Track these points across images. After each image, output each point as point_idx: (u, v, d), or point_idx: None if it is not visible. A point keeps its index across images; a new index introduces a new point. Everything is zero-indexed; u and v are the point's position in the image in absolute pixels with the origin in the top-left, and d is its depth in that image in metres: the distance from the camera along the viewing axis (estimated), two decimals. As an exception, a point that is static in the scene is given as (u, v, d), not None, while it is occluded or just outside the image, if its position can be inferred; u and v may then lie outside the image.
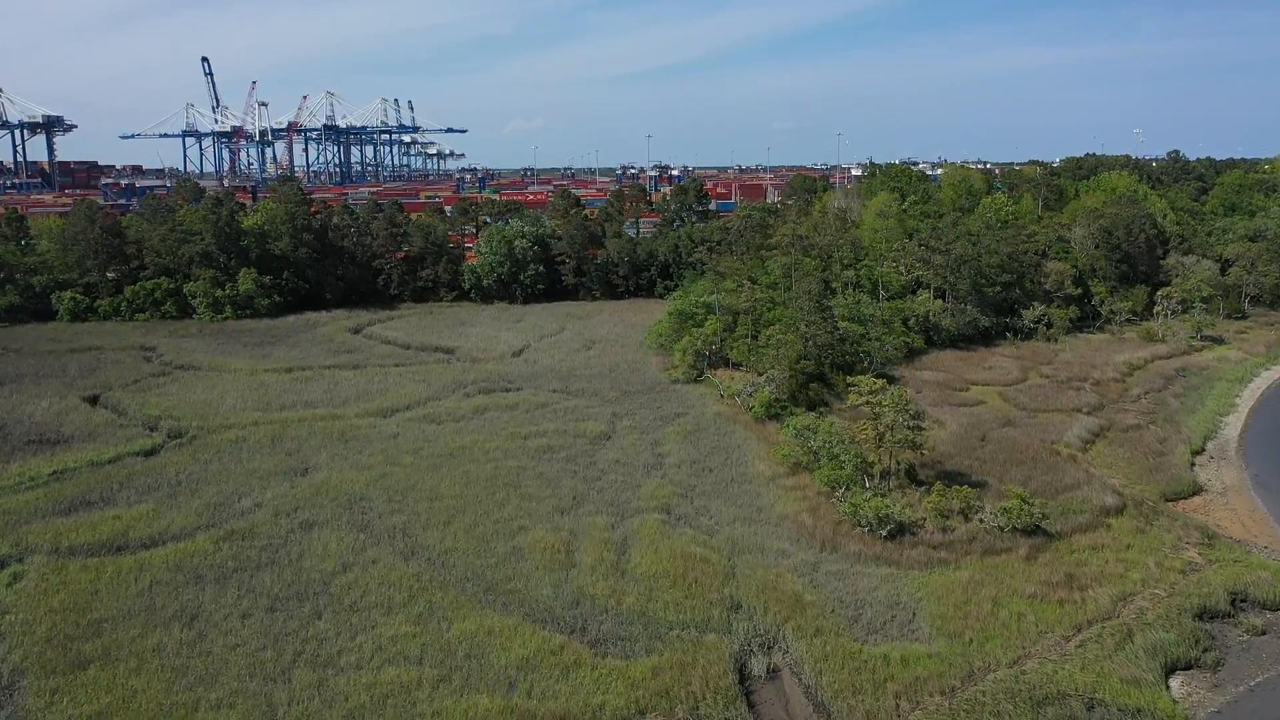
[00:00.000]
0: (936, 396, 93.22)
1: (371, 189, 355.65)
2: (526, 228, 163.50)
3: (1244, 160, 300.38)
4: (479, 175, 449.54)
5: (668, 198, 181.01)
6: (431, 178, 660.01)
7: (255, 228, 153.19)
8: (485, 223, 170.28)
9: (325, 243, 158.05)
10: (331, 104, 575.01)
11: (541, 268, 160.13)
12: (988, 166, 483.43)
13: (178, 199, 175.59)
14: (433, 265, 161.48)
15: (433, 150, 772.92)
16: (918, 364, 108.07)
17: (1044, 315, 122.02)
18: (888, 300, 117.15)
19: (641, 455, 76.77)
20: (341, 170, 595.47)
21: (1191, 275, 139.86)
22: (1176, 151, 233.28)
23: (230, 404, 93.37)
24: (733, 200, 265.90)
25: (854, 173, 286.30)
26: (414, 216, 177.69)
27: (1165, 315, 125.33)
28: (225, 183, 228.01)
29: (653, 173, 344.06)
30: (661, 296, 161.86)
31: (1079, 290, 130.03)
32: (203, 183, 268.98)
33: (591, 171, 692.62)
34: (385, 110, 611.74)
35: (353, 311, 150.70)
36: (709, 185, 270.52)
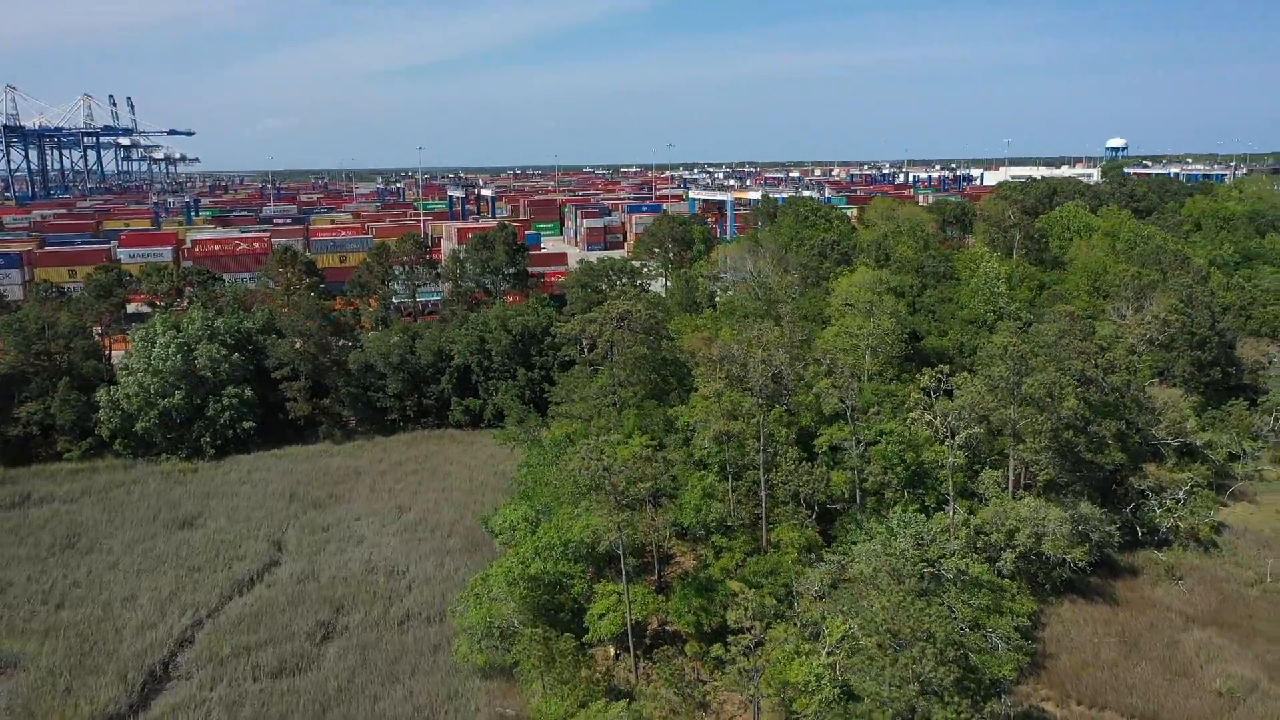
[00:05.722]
0: None
1: (53, 209, 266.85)
2: (219, 320, 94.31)
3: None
4: (193, 195, 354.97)
5: (460, 255, 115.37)
6: (159, 185, 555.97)
7: None
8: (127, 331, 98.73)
9: None
10: (14, 100, 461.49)
11: (249, 390, 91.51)
12: (802, 175, 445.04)
13: None
14: (43, 395, 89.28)
15: (160, 155, 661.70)
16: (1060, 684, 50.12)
17: (1182, 499, 67.52)
18: (924, 515, 58.78)
19: None
20: (32, 180, 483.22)
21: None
22: (1114, 158, 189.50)
23: None
24: (532, 231, 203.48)
25: (682, 191, 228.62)
26: (40, 286, 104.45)
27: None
28: None
29: (455, 191, 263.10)
30: (460, 425, 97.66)
31: (1205, 433, 77.23)
32: None
33: (349, 177, 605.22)
34: (90, 109, 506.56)
35: None
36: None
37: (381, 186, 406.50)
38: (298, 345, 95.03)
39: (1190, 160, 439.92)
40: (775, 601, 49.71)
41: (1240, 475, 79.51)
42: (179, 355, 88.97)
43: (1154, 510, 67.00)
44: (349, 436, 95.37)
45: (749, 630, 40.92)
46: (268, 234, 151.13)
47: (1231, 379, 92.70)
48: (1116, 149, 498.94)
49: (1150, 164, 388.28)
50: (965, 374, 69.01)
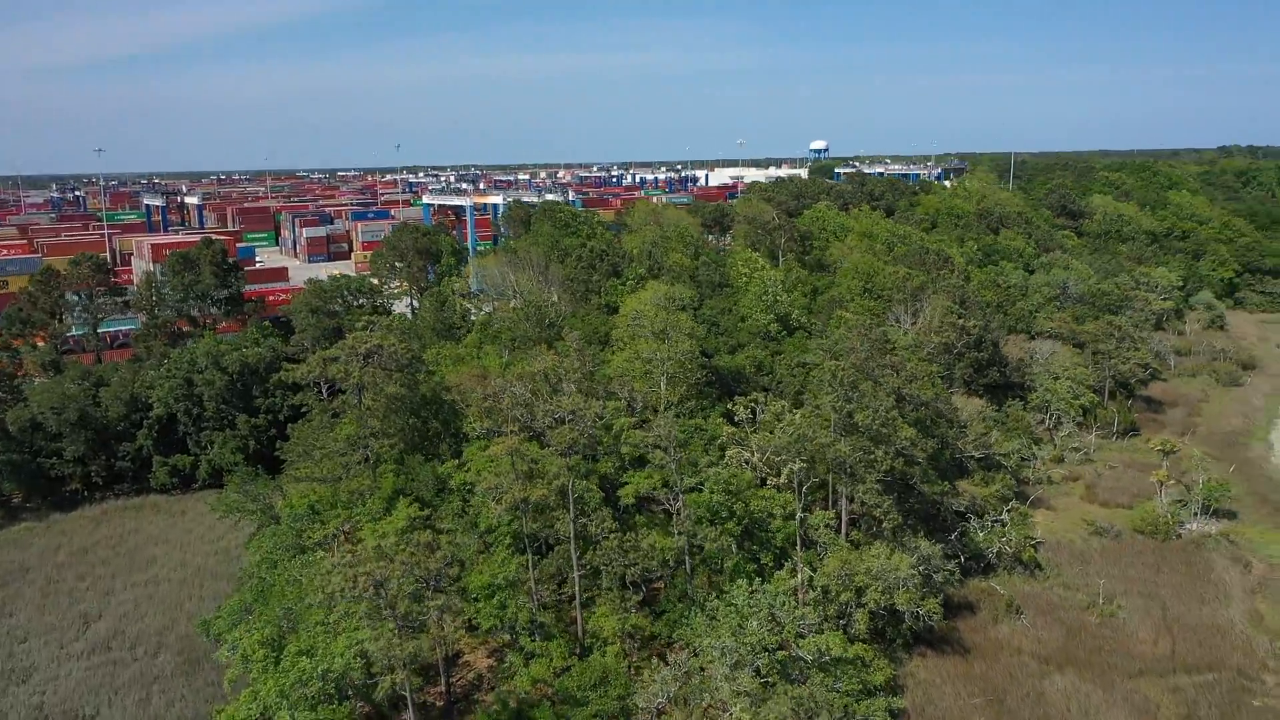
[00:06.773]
0: None
1: None
2: None
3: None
4: None
5: (156, 279, 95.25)
6: None
7: None
8: None
9: None
10: None
11: None
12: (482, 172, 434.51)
13: None
14: None
15: None
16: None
17: (1005, 520, 63.31)
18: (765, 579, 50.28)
19: None
20: None
21: (1058, 370, 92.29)
22: (818, 159, 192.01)
23: None
24: (244, 244, 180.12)
25: (426, 199, 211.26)
26: None
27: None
28: None
29: (152, 199, 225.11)
30: (166, 489, 79.42)
31: (1011, 441, 74.37)
32: None
33: (18, 184, 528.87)
34: None
35: None
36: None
37: (56, 194, 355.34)
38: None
39: (889, 160, 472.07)
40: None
41: (1032, 480, 77.76)
42: None
43: (977, 535, 62.33)
44: (12, 518, 74.52)
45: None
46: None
47: (1004, 378, 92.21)
48: (819, 150, 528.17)
49: (856, 164, 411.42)
50: (769, 396, 61.57)
